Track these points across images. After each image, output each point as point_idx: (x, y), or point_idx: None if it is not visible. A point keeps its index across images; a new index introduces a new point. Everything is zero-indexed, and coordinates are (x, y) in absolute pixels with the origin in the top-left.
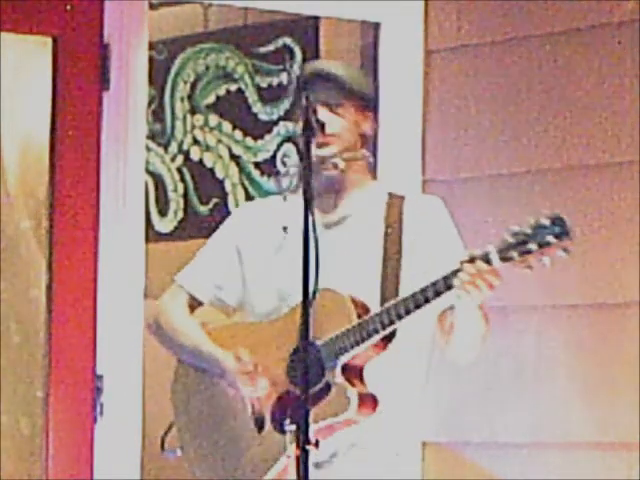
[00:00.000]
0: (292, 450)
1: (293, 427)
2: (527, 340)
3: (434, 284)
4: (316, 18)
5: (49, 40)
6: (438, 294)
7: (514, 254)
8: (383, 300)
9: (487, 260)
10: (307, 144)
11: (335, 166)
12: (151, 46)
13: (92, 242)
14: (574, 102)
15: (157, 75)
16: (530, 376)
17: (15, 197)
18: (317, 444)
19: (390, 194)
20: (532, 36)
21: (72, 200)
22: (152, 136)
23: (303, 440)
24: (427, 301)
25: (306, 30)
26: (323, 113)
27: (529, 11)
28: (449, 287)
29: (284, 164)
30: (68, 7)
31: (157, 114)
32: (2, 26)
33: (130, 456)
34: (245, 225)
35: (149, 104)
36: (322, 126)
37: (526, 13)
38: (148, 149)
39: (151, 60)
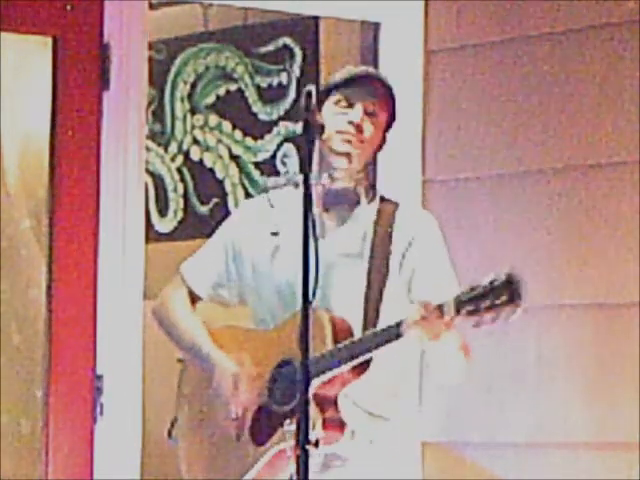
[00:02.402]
0: (287, 445)
1: (293, 427)
2: (527, 340)
3: (396, 326)
4: (316, 18)
5: (49, 40)
6: (398, 336)
7: (466, 310)
8: (365, 317)
9: (441, 312)
10: (308, 144)
11: (331, 178)
12: (151, 46)
13: (92, 242)
14: (574, 102)
15: (157, 75)
16: (530, 376)
17: (15, 197)
18: (317, 444)
19: (382, 199)
20: (532, 36)
21: (72, 200)
22: (152, 136)
23: (303, 440)
24: (389, 341)
25: (306, 30)
26: (357, 112)
27: (529, 11)
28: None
29: (284, 164)
30: (68, 7)
31: (157, 114)
32: (2, 26)
33: (130, 456)
34: (244, 223)
35: (149, 104)
36: (322, 127)
37: (526, 13)
38: (148, 149)
39: (151, 60)
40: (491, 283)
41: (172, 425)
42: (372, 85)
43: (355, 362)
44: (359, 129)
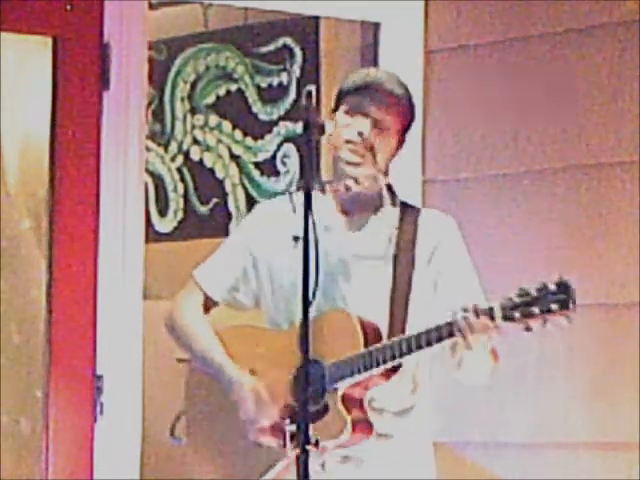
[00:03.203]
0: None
1: (293, 428)
2: (527, 340)
3: (438, 329)
4: (316, 18)
5: (49, 40)
6: (440, 339)
7: (516, 315)
8: (391, 320)
9: (491, 316)
10: (308, 144)
11: (347, 188)
12: (151, 46)
13: (92, 242)
14: (574, 102)
15: (157, 75)
16: (530, 376)
17: (15, 197)
18: (317, 444)
19: (404, 204)
20: (532, 36)
21: (72, 200)
22: (152, 136)
23: (303, 440)
24: (430, 344)
25: (306, 30)
26: (364, 124)
27: (529, 11)
28: (451, 334)
29: (284, 164)
30: (68, 7)
31: (157, 114)
32: (2, 26)
33: (130, 456)
34: (259, 226)
35: (149, 104)
36: (322, 127)
37: (526, 13)
38: (148, 149)
39: (151, 60)
40: (542, 288)
41: (174, 423)
42: (378, 93)
43: (395, 363)
44: (367, 139)
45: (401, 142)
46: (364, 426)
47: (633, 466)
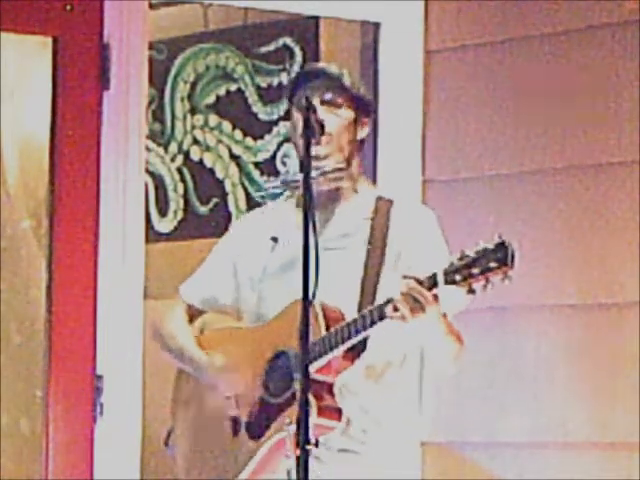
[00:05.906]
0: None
1: (293, 427)
2: (527, 340)
3: (386, 303)
4: (316, 18)
5: (49, 40)
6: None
7: (458, 277)
8: (360, 307)
9: (434, 282)
10: (307, 144)
11: (325, 176)
12: (151, 46)
13: (92, 242)
14: (574, 102)
15: (157, 75)
16: (530, 376)
17: (15, 197)
18: (317, 444)
19: (378, 198)
20: (532, 36)
21: (72, 200)
22: (152, 136)
23: (303, 440)
24: (382, 318)
25: (306, 30)
26: (320, 111)
27: (529, 11)
28: (396, 308)
29: (284, 164)
30: (68, 7)
31: (157, 114)
32: (2, 26)
33: (130, 456)
34: (241, 237)
35: (149, 104)
36: (322, 126)
37: (526, 13)
38: (148, 149)
39: (151, 60)
40: (481, 250)
41: (169, 435)
42: (320, 79)
43: (348, 344)
44: (318, 119)
45: (358, 121)
46: (331, 412)
47: (633, 466)
